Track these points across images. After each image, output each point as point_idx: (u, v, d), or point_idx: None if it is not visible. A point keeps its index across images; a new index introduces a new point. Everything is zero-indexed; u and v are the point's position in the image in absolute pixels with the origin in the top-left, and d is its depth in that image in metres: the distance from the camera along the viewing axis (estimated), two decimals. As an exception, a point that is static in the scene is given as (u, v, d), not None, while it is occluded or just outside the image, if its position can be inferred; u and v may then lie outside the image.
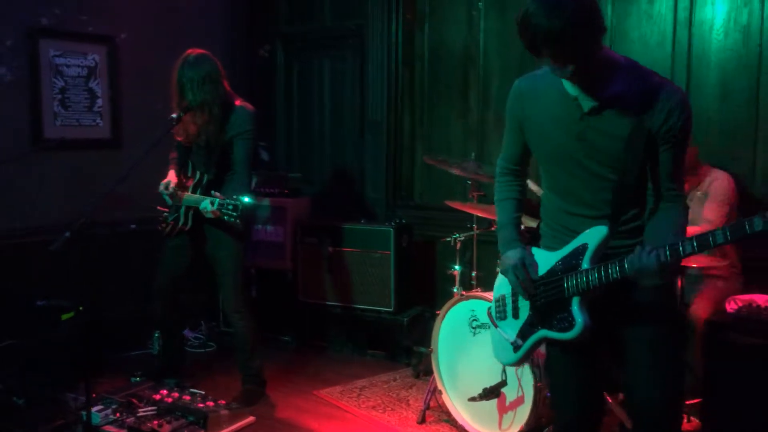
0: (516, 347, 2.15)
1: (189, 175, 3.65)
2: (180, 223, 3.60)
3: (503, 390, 3.13)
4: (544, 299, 2.05)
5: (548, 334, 2.06)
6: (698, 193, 3.45)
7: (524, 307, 2.14)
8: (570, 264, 1.99)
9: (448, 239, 3.86)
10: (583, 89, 1.91)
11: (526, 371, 3.07)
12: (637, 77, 1.92)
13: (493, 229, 3.96)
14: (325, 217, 4.77)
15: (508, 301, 2.21)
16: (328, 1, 5.07)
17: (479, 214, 3.75)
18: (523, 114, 2.10)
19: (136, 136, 4.47)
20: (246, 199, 3.24)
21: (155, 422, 3.20)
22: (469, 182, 3.82)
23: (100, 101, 4.47)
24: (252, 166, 3.66)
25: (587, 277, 1.93)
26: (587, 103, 1.93)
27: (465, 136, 4.61)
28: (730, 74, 3.71)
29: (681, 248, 1.75)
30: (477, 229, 3.85)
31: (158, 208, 3.72)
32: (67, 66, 4.29)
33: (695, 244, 1.73)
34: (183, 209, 3.59)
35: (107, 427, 3.23)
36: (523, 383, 3.10)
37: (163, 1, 4.75)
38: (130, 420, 3.25)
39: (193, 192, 3.56)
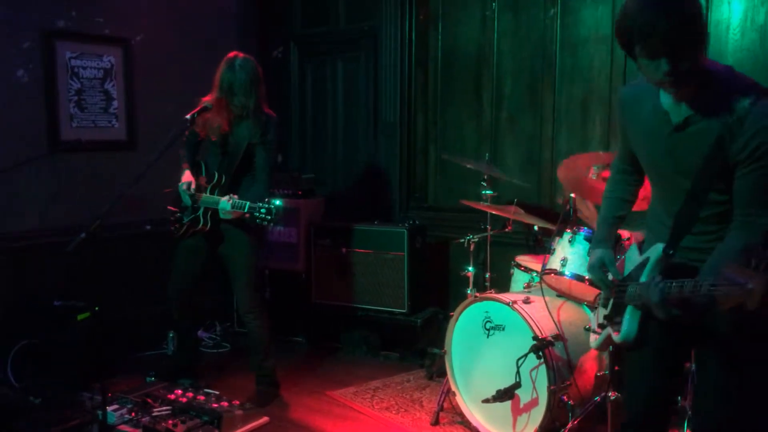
0: (596, 335, 2.23)
1: (204, 176, 3.67)
2: (200, 225, 3.61)
3: (517, 392, 3.11)
4: (618, 298, 2.10)
5: (611, 332, 2.11)
6: None
7: (611, 300, 2.19)
8: (636, 273, 2.03)
9: (462, 240, 3.85)
10: (675, 97, 1.86)
11: (540, 373, 3.05)
12: (730, 85, 1.82)
13: (506, 230, 3.96)
14: (339, 218, 4.77)
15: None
16: (342, 3, 5.08)
17: (493, 212, 3.74)
18: (624, 122, 2.10)
19: (151, 137, 4.49)
20: (278, 202, 3.27)
21: (170, 422, 3.21)
22: (484, 182, 3.81)
23: (115, 103, 4.50)
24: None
25: (635, 293, 1.95)
26: (676, 118, 1.88)
27: (478, 136, 4.60)
28: (746, 74, 3.66)
29: (681, 287, 1.71)
30: (490, 230, 3.83)
31: (169, 207, 3.74)
32: (83, 68, 4.33)
33: (690, 286, 1.69)
34: (202, 210, 3.59)
35: (122, 427, 3.25)
36: (537, 385, 3.08)
37: (179, 4, 4.77)
38: (145, 420, 3.26)
39: (211, 193, 3.58)
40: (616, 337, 2.04)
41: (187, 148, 3.75)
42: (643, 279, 1.94)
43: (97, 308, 3.20)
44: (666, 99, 1.91)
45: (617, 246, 2.26)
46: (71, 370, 3.76)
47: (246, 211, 3.31)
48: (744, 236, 1.82)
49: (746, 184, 1.82)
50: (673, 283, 1.76)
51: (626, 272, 2.11)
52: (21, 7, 4.03)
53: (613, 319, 2.10)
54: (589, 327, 2.26)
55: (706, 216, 1.92)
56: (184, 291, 3.78)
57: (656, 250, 1.96)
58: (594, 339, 2.24)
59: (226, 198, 3.41)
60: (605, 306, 2.18)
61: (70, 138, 4.21)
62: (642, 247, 2.13)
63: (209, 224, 3.61)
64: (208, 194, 3.58)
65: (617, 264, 2.16)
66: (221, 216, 3.47)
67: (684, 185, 1.92)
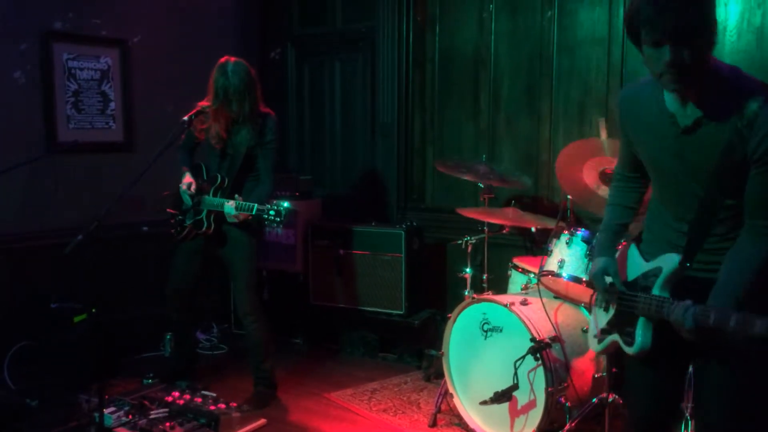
0: (599, 340, 2.18)
1: (206, 178, 3.66)
2: (203, 227, 3.59)
3: (515, 394, 3.11)
4: (623, 307, 2.04)
5: (617, 340, 2.07)
6: None
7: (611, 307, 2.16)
8: (645, 282, 1.98)
9: (459, 242, 3.85)
10: (680, 98, 1.82)
11: (538, 375, 3.05)
12: (738, 86, 1.79)
13: (504, 232, 3.96)
14: (336, 219, 4.78)
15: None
16: (340, 4, 5.08)
17: (489, 221, 3.74)
18: (626, 124, 2.05)
19: (148, 139, 4.49)
20: (286, 204, 3.28)
21: (167, 424, 3.21)
22: (482, 185, 3.81)
23: (113, 104, 4.50)
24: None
25: (649, 306, 1.90)
26: (684, 120, 1.84)
27: (476, 137, 4.60)
28: (744, 76, 3.68)
29: (711, 317, 1.69)
30: (488, 231, 3.84)
31: (168, 210, 3.74)
32: (80, 69, 4.33)
33: (734, 320, 1.65)
34: (205, 213, 3.58)
35: (119, 429, 3.24)
36: (534, 387, 3.09)
37: (176, 5, 4.77)
38: (143, 422, 3.26)
39: (214, 196, 3.58)
40: (630, 349, 1.99)
41: (185, 151, 3.76)
42: (655, 291, 1.91)
43: (94, 310, 3.19)
44: (671, 101, 1.87)
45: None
46: (68, 372, 3.75)
47: (254, 213, 3.31)
48: (755, 246, 1.82)
49: (756, 187, 1.80)
50: (711, 314, 1.71)
51: (630, 277, 2.06)
52: (18, 8, 4.03)
53: (621, 328, 2.05)
54: (587, 329, 2.25)
55: (719, 219, 1.89)
56: (183, 291, 3.78)
57: (671, 261, 1.90)
58: (595, 343, 2.21)
59: (230, 202, 3.40)
60: (605, 310, 2.16)
61: (68, 139, 4.20)
62: (640, 248, 2.10)
63: (213, 226, 3.60)
64: (211, 196, 3.58)
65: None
66: (227, 219, 3.46)
67: (692, 188, 1.89)
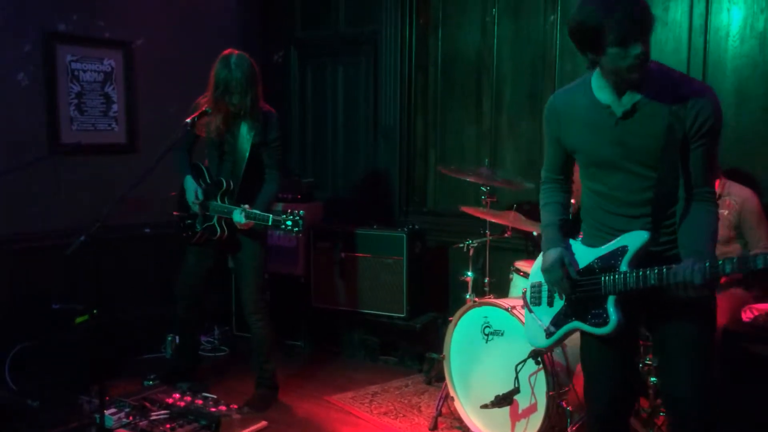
0: (548, 334, 2.29)
1: (210, 182, 3.65)
2: (218, 233, 3.57)
3: (516, 397, 3.11)
4: (581, 294, 2.16)
5: (582, 327, 2.18)
6: (724, 212, 3.29)
7: (560, 298, 2.26)
8: (608, 263, 2.10)
9: (461, 245, 3.85)
10: (630, 85, 2.00)
11: (539, 379, 3.05)
12: (666, 78, 2.03)
13: (506, 236, 3.96)
14: (338, 222, 4.78)
15: (544, 289, 2.33)
16: (342, 7, 5.09)
17: (492, 220, 3.75)
18: (559, 127, 2.21)
19: (151, 140, 4.50)
20: (301, 213, 3.28)
21: (168, 426, 3.21)
22: (484, 188, 3.81)
23: (115, 106, 4.51)
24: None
25: (626, 279, 2.04)
26: (619, 109, 2.04)
27: (478, 141, 4.61)
28: (746, 81, 3.68)
29: (722, 268, 1.87)
30: (490, 235, 3.84)
31: (174, 213, 3.73)
32: (83, 71, 4.34)
33: (736, 264, 1.84)
34: (216, 218, 3.57)
35: (120, 430, 3.24)
36: (535, 391, 3.08)
37: (179, 8, 4.78)
38: (143, 423, 3.26)
39: (221, 201, 3.57)
40: (604, 329, 2.10)
41: (183, 151, 3.70)
42: (622, 268, 2.05)
43: (95, 311, 3.19)
44: (603, 94, 2.06)
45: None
46: (69, 373, 3.75)
47: (270, 224, 3.32)
48: (708, 210, 2.04)
49: (696, 160, 2.02)
50: (724, 262, 1.86)
51: (581, 265, 2.17)
52: (22, 10, 4.04)
53: (582, 315, 2.16)
54: (546, 329, 2.29)
55: (673, 194, 2.07)
56: (195, 288, 3.78)
57: (638, 237, 2.05)
58: (542, 339, 2.30)
59: (239, 210, 3.40)
60: (550, 304, 2.26)
61: (71, 141, 4.21)
62: (582, 241, 2.23)
63: (226, 232, 3.58)
64: (218, 202, 3.56)
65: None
66: (236, 225, 3.46)
67: (635, 169, 2.06)
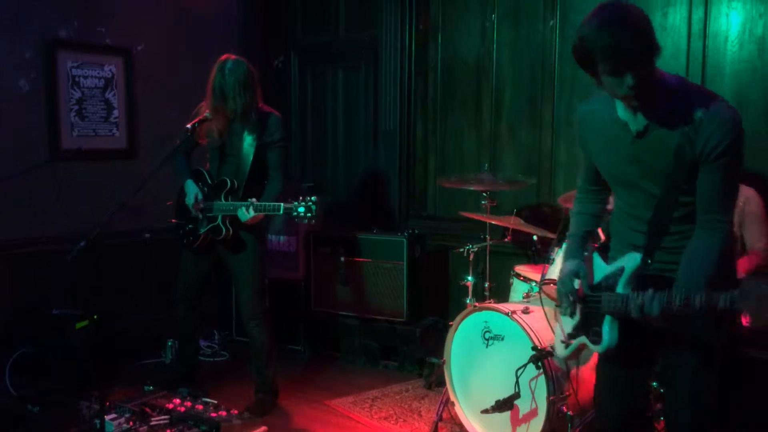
0: (566, 345, 2.28)
1: (211, 183, 3.65)
2: (223, 233, 3.54)
3: (516, 402, 3.11)
4: (589, 309, 2.15)
5: (586, 342, 2.18)
6: None
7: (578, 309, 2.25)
8: (608, 282, 2.09)
9: (461, 250, 3.85)
10: (635, 109, 1.95)
11: (540, 383, 3.05)
12: (684, 95, 1.93)
13: (506, 240, 3.96)
14: (338, 226, 4.78)
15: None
16: (343, 13, 5.10)
17: (493, 222, 3.75)
18: (584, 138, 2.19)
19: (151, 146, 4.51)
20: (313, 198, 3.26)
21: (168, 431, 3.21)
22: (485, 194, 3.82)
23: (116, 112, 4.52)
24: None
25: (614, 304, 2.01)
26: (635, 126, 1.99)
27: (478, 146, 4.61)
28: (745, 86, 3.69)
29: (675, 300, 1.82)
30: (490, 240, 3.84)
31: (172, 221, 3.73)
32: (84, 77, 4.35)
33: (699, 300, 1.78)
34: (220, 218, 3.55)
35: (120, 436, 3.24)
36: (536, 395, 3.08)
37: (179, 14, 4.80)
38: (143, 429, 3.25)
39: (225, 200, 3.55)
40: (597, 347, 2.10)
41: (182, 156, 3.71)
42: (619, 289, 2.02)
43: (95, 317, 3.19)
44: (622, 110, 2.01)
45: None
46: (69, 378, 3.76)
47: (281, 213, 3.28)
48: (709, 239, 1.95)
49: (706, 185, 1.94)
50: (676, 296, 1.83)
51: (595, 281, 2.16)
52: (23, 16, 4.05)
53: (587, 330, 2.15)
54: (563, 339, 2.28)
55: (675, 217, 2.02)
56: (194, 290, 3.78)
57: (632, 259, 2.03)
58: (563, 348, 2.29)
59: (245, 205, 3.38)
60: (570, 315, 2.24)
61: (71, 147, 4.22)
62: (608, 255, 2.20)
63: (231, 231, 3.57)
64: (222, 201, 3.56)
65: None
66: (242, 220, 3.43)
67: (652, 189, 2.02)
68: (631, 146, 2.01)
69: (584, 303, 2.16)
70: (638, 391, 2.24)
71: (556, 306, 2.37)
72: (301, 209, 3.24)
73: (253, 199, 3.40)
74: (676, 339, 2.04)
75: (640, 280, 2.00)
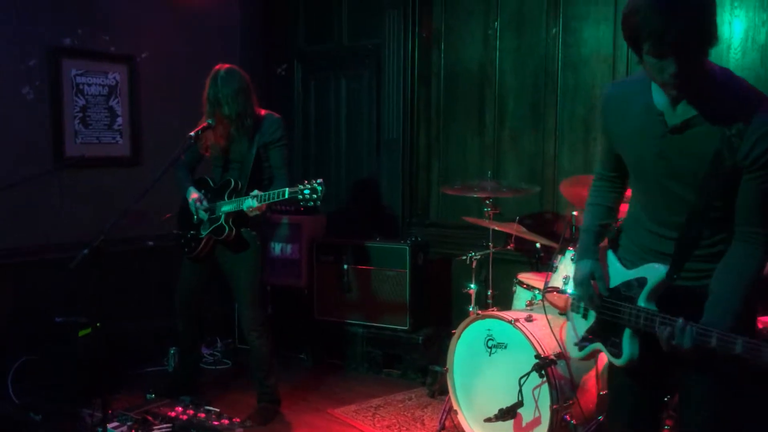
0: (580, 347, 2.15)
1: (214, 186, 3.65)
2: (225, 233, 3.52)
3: (519, 411, 3.09)
4: (606, 316, 2.01)
5: (602, 350, 2.05)
6: None
7: (593, 312, 2.11)
8: (629, 293, 1.94)
9: (464, 258, 3.85)
10: (675, 100, 1.78)
11: (543, 392, 3.04)
12: (732, 93, 1.77)
13: (509, 248, 3.96)
14: (341, 234, 4.78)
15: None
16: (345, 21, 5.12)
17: (496, 228, 3.75)
18: (607, 122, 2.01)
19: (155, 153, 4.52)
20: (320, 180, 3.22)
21: (170, 439, 3.21)
22: (488, 201, 3.81)
23: (120, 119, 4.53)
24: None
25: (635, 318, 1.88)
26: (672, 120, 1.81)
27: (481, 154, 4.61)
28: (748, 93, 3.68)
29: (714, 341, 1.68)
30: (493, 247, 3.83)
31: (174, 231, 3.73)
32: (88, 85, 4.37)
33: (740, 346, 1.64)
34: (223, 218, 3.54)
35: (123, 444, 3.24)
36: (539, 404, 3.06)
37: (183, 22, 4.82)
38: (146, 437, 3.25)
39: (229, 199, 3.55)
40: (618, 361, 1.97)
41: (184, 170, 3.72)
42: (640, 303, 1.89)
43: (98, 324, 3.20)
44: (660, 98, 1.83)
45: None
46: (72, 386, 3.75)
47: (287, 197, 3.24)
48: (749, 253, 1.80)
49: (748, 193, 1.78)
50: (714, 337, 1.69)
51: (612, 284, 2.02)
52: (28, 24, 4.07)
53: (605, 338, 2.03)
54: (577, 342, 2.17)
55: (706, 225, 1.86)
56: (191, 303, 3.77)
57: (656, 272, 1.88)
58: (576, 350, 2.17)
59: (249, 198, 3.36)
60: (584, 317, 2.12)
61: (75, 154, 4.24)
62: (618, 254, 2.06)
63: (234, 230, 3.55)
64: (226, 200, 3.55)
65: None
66: (249, 214, 3.40)
67: (675, 190, 1.86)
68: (661, 139, 1.83)
69: (601, 308, 2.02)
70: (653, 407, 2.12)
71: (566, 310, 2.26)
72: (307, 191, 3.20)
73: (257, 191, 3.39)
74: (699, 360, 1.84)
75: (665, 295, 1.87)
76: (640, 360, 1.93)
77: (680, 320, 1.75)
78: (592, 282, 2.03)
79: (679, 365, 1.93)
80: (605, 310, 2.01)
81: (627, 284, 1.96)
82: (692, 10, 1.65)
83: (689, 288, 1.88)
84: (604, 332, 2.04)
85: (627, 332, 1.94)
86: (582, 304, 2.14)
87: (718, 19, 3.80)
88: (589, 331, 2.11)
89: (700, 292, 1.85)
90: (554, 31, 4.26)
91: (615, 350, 1.98)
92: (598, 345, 2.07)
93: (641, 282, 1.91)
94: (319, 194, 3.20)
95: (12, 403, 3.73)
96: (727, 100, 1.76)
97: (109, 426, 3.22)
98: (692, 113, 1.77)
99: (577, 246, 2.16)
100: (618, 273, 2.03)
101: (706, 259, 1.88)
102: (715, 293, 1.82)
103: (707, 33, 1.68)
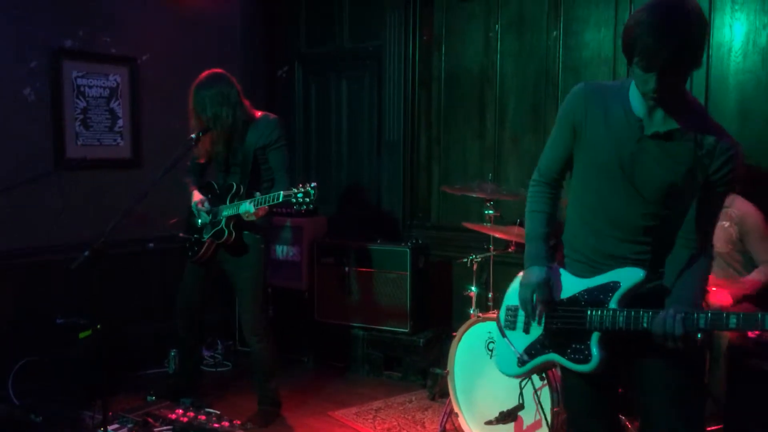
0: (521, 362, 2.13)
1: (218, 189, 3.65)
2: (225, 236, 3.52)
3: (520, 414, 3.10)
4: (561, 325, 2.03)
5: (560, 361, 2.05)
6: (725, 223, 3.30)
7: (536, 324, 2.11)
8: (596, 298, 1.96)
9: (465, 260, 3.84)
10: (651, 110, 1.90)
11: (544, 395, 3.03)
12: (703, 119, 1.94)
13: (510, 250, 3.95)
14: (342, 236, 4.78)
15: (521, 313, 2.17)
16: (347, 23, 5.12)
17: (496, 235, 3.75)
18: (584, 117, 2.02)
19: (156, 155, 4.52)
20: (313, 184, 3.21)
21: (171, 442, 3.20)
22: (488, 203, 3.81)
23: (121, 121, 4.53)
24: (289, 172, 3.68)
25: (613, 318, 1.91)
26: (651, 128, 1.91)
27: (481, 156, 4.62)
28: (749, 96, 3.69)
29: (697, 322, 1.81)
30: (493, 250, 3.83)
31: (180, 235, 3.73)
32: (89, 87, 4.37)
33: (709, 320, 1.80)
34: (224, 221, 3.54)
35: (123, 446, 3.24)
36: (540, 407, 3.06)
37: (184, 23, 4.82)
38: (146, 439, 3.25)
39: (231, 202, 3.55)
40: (584, 366, 1.96)
41: (193, 174, 3.76)
42: (612, 305, 1.93)
43: (99, 326, 3.20)
44: (639, 106, 1.93)
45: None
46: (73, 388, 3.75)
47: (281, 200, 3.23)
48: (707, 266, 1.99)
49: (706, 210, 1.95)
50: (706, 316, 1.80)
51: (564, 295, 2.03)
52: (29, 26, 4.08)
53: (561, 348, 2.02)
54: (519, 356, 2.13)
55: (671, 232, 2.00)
56: (192, 307, 3.77)
57: (633, 275, 1.93)
58: (514, 367, 2.14)
59: (246, 202, 3.38)
60: (525, 330, 2.11)
61: (76, 156, 4.24)
62: (567, 268, 2.08)
63: (234, 233, 3.55)
64: (228, 203, 3.55)
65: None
66: (245, 218, 3.41)
67: (642, 193, 1.94)
68: (637, 143, 1.92)
69: (556, 318, 2.03)
70: (612, 400, 2.17)
71: (502, 321, 2.22)
72: (300, 195, 3.19)
73: (257, 193, 3.39)
74: (644, 345, 1.94)
75: (636, 297, 1.94)
76: (608, 363, 1.98)
77: (671, 309, 1.84)
78: (544, 289, 2.05)
79: (627, 357, 2.02)
80: (562, 318, 2.02)
81: (591, 291, 1.98)
82: (687, 39, 1.76)
83: (653, 291, 1.98)
84: (560, 342, 2.03)
85: (595, 336, 1.96)
86: (520, 318, 2.15)
87: (719, 22, 3.83)
88: (537, 343, 2.09)
89: (660, 295, 1.96)
90: (555, 33, 4.27)
91: (579, 356, 1.97)
92: (550, 356, 2.06)
93: (614, 286, 1.94)
94: (312, 198, 3.20)
95: (13, 405, 3.73)
96: (699, 122, 1.91)
97: (110, 428, 3.22)
98: (675, 126, 1.89)
99: (525, 254, 2.15)
100: (573, 283, 2.04)
101: (636, 256, 1.99)
102: (678, 291, 1.94)
103: (695, 58, 1.80)
